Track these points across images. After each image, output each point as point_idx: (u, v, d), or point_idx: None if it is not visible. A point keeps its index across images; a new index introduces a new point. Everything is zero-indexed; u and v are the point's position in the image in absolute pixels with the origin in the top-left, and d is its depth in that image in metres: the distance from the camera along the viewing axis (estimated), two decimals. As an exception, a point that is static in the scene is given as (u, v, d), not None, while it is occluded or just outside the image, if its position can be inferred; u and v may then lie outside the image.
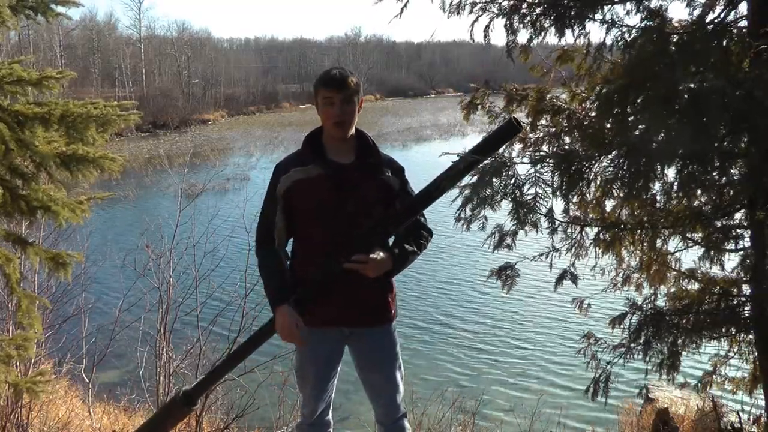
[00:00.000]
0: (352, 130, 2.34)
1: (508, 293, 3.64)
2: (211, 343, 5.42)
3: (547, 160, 2.29)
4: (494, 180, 2.39)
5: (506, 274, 3.54)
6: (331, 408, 2.57)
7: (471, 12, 3.20)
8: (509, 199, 2.44)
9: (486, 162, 2.48)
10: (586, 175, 2.36)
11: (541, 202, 2.44)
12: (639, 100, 2.17)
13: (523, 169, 2.46)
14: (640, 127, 2.21)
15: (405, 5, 3.27)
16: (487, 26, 3.25)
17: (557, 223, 3.29)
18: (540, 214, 2.53)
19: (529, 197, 2.40)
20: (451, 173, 2.27)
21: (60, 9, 3.31)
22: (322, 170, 2.31)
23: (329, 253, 2.24)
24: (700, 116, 1.94)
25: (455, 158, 2.37)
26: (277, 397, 5.52)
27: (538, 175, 2.33)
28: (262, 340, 2.49)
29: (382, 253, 2.24)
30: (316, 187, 2.30)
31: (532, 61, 3.58)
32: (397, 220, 2.30)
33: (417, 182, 2.36)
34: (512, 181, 2.36)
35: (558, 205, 2.91)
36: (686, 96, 2.02)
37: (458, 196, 2.92)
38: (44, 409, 4.78)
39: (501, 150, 3.74)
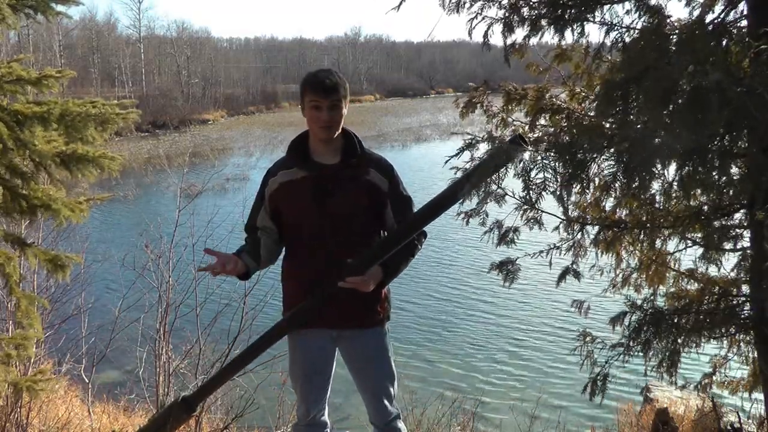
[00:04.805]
0: (338, 131, 2.35)
1: (509, 287, 3.64)
2: (210, 343, 5.42)
3: (552, 150, 2.28)
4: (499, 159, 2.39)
5: (507, 268, 3.53)
6: (327, 409, 2.56)
7: (471, 8, 3.19)
8: (520, 179, 2.44)
9: (490, 150, 2.48)
10: (588, 168, 2.36)
11: (550, 186, 2.44)
12: (639, 96, 2.17)
13: (528, 156, 2.47)
14: (641, 124, 2.21)
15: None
16: (487, 31, 3.25)
17: (559, 221, 3.29)
18: (544, 211, 2.53)
19: (539, 181, 2.40)
20: (452, 192, 2.27)
21: (60, 8, 3.31)
22: (306, 172, 2.34)
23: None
24: (699, 112, 1.94)
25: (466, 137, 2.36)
26: (277, 397, 5.52)
27: (545, 161, 2.33)
28: (264, 348, 2.50)
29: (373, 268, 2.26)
30: (300, 189, 2.34)
31: (528, 59, 3.58)
32: (397, 239, 2.29)
33: (416, 183, 2.36)
34: (520, 165, 2.37)
35: (555, 206, 2.91)
36: (686, 92, 2.02)
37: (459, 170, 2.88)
38: (44, 409, 4.77)
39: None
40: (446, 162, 2.48)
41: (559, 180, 2.31)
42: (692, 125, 1.96)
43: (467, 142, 2.48)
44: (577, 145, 2.25)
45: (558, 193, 2.54)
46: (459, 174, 2.73)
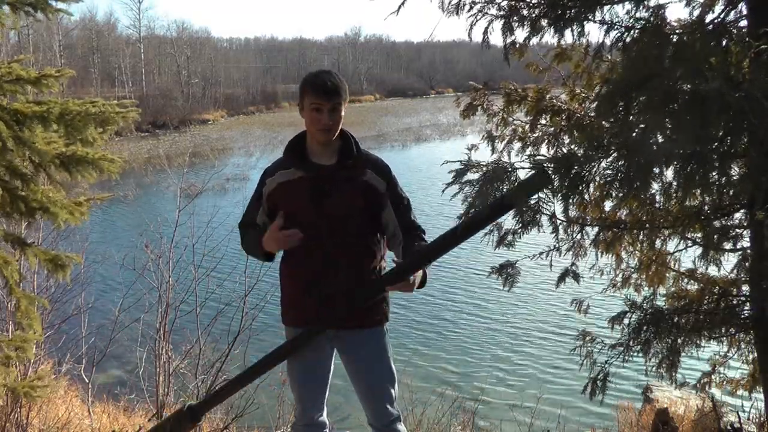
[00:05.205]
0: (337, 133, 2.35)
1: (509, 291, 3.64)
2: (210, 343, 5.42)
3: (547, 164, 2.29)
4: (496, 184, 2.39)
5: (507, 272, 3.54)
6: (326, 409, 2.56)
7: (470, 11, 3.20)
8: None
9: (487, 168, 2.49)
10: (585, 177, 2.36)
11: (545, 206, 2.44)
12: (640, 100, 2.17)
13: (523, 173, 2.47)
14: (640, 126, 2.21)
15: (403, 2, 3.26)
16: (486, 28, 3.25)
17: (558, 222, 3.29)
18: (546, 214, 2.53)
19: (533, 202, 2.40)
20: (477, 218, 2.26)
21: (60, 5, 3.29)
22: (303, 173, 2.34)
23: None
24: (699, 117, 1.94)
25: (455, 165, 2.37)
26: (277, 397, 5.52)
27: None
28: (275, 363, 2.49)
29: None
30: (297, 190, 2.35)
31: (528, 59, 3.58)
32: (422, 260, 2.29)
33: (415, 183, 2.36)
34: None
35: (558, 206, 2.91)
36: (686, 96, 2.02)
37: (458, 192, 2.89)
38: (44, 409, 4.77)
39: (500, 150, 3.76)
40: (443, 191, 2.48)
41: (553, 194, 2.31)
42: (692, 129, 1.96)
43: (458, 170, 2.48)
44: (573, 158, 2.25)
45: (551, 214, 2.55)
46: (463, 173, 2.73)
